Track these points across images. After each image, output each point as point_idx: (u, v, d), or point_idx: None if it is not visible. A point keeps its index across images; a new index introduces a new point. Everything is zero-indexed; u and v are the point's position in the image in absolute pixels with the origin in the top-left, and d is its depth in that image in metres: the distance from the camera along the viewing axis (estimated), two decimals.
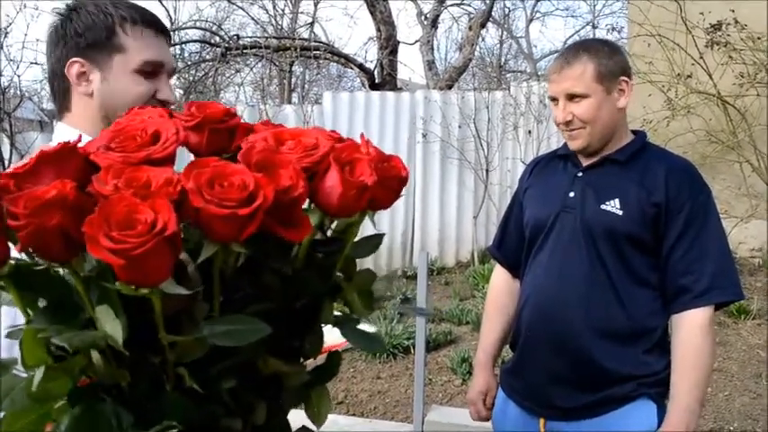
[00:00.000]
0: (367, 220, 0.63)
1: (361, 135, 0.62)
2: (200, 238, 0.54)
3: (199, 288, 0.55)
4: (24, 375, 0.56)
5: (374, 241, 0.65)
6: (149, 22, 1.14)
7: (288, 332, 0.62)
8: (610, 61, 1.60)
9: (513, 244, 1.83)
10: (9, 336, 0.59)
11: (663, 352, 1.60)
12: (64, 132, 1.14)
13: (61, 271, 0.56)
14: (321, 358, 0.69)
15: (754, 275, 5.51)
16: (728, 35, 5.11)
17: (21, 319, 0.57)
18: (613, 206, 1.58)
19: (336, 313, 0.66)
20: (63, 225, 0.49)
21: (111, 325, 0.52)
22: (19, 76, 6.46)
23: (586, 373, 1.59)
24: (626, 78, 1.62)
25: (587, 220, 1.60)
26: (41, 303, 0.57)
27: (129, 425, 0.56)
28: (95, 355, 0.56)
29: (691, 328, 1.54)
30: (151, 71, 1.13)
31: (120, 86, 1.12)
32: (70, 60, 1.11)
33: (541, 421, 1.66)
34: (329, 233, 0.64)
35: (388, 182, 0.60)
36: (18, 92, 6.38)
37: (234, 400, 0.61)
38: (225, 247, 0.53)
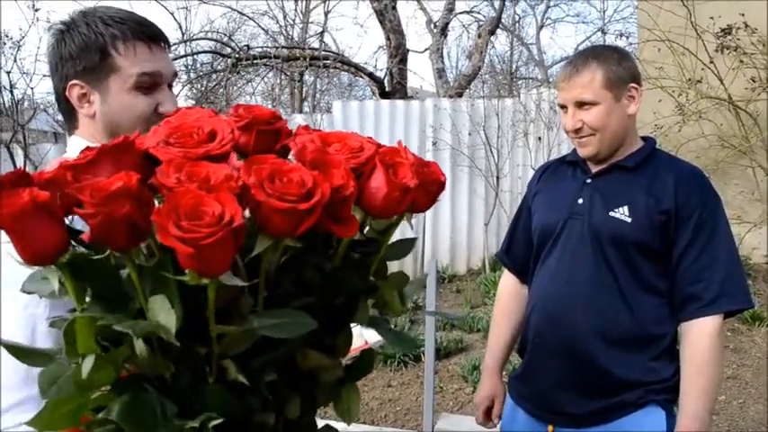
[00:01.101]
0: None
1: (399, 142, 0.64)
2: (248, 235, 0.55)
3: (251, 282, 0.56)
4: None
5: (407, 244, 0.67)
6: (141, 34, 1.12)
7: (324, 329, 0.63)
8: (619, 68, 1.60)
9: (522, 249, 1.83)
10: (52, 324, 0.61)
11: (671, 359, 1.59)
12: (78, 144, 1.15)
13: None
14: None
15: None
16: (739, 39, 5.07)
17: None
18: (622, 213, 1.58)
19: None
20: (131, 215, 0.52)
21: (165, 315, 0.54)
22: (32, 89, 6.53)
23: (594, 380, 1.58)
24: (635, 85, 1.62)
25: (595, 226, 1.60)
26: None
27: (174, 414, 0.57)
28: (140, 346, 0.57)
29: (699, 337, 1.53)
30: (149, 85, 1.12)
31: (120, 106, 1.12)
32: (70, 83, 1.11)
33: (550, 428, 1.66)
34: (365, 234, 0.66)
35: (428, 186, 0.63)
36: (32, 104, 6.45)
37: (271, 394, 0.63)
38: (277, 242, 0.56)
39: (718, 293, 1.53)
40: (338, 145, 0.62)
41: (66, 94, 1.12)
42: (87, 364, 0.55)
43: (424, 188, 0.62)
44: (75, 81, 1.11)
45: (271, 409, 0.64)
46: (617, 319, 1.57)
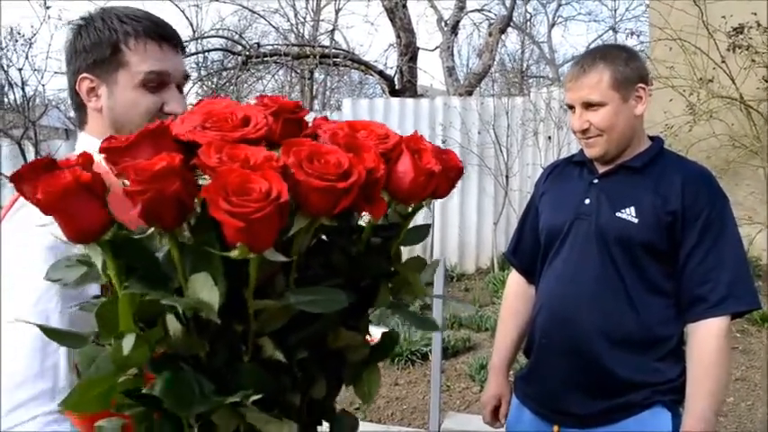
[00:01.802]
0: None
1: (415, 131, 0.67)
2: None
3: (289, 259, 0.58)
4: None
5: (423, 231, 0.69)
6: (153, 33, 1.14)
7: (349, 312, 0.65)
8: (626, 68, 1.59)
9: (529, 249, 1.82)
10: (83, 308, 0.63)
11: (677, 360, 1.59)
12: (86, 141, 1.17)
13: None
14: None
15: None
16: (751, 38, 5.04)
17: None
18: (629, 214, 1.57)
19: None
20: (179, 192, 0.54)
21: (207, 292, 0.56)
22: (44, 86, 6.59)
23: (600, 380, 1.58)
24: (643, 85, 1.61)
25: (602, 227, 1.60)
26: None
27: (211, 391, 0.59)
28: (175, 326, 0.59)
29: (706, 338, 1.53)
30: (156, 84, 1.13)
31: (126, 101, 1.13)
32: (80, 76, 1.13)
33: (555, 428, 1.66)
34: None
35: (448, 171, 0.65)
36: (43, 101, 6.50)
37: (300, 372, 0.65)
38: (313, 221, 0.58)
39: (725, 294, 1.52)
40: (365, 132, 0.64)
41: (77, 87, 1.14)
42: (128, 341, 0.57)
43: (445, 174, 0.64)
44: (85, 74, 1.13)
45: (298, 389, 0.66)
46: (623, 320, 1.57)
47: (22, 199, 1.02)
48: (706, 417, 1.49)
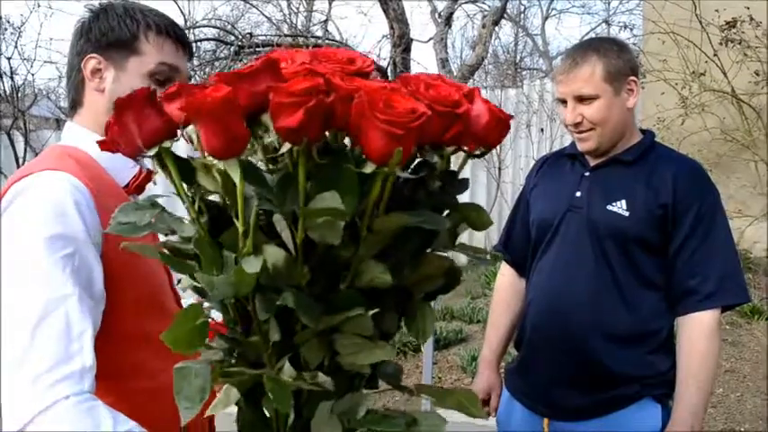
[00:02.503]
0: None
1: (475, 88, 0.72)
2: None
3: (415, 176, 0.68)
4: None
5: (465, 183, 0.75)
6: (173, 33, 1.17)
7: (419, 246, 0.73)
8: (618, 60, 1.58)
9: (520, 242, 1.82)
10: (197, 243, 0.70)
11: (668, 353, 1.59)
12: (73, 132, 1.16)
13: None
14: None
15: None
16: (743, 32, 5.05)
17: None
18: (620, 207, 1.57)
19: None
20: (332, 106, 0.62)
21: (347, 200, 0.62)
22: (33, 75, 6.54)
23: (591, 374, 1.59)
24: (634, 78, 1.61)
25: (594, 220, 1.60)
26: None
27: (320, 312, 0.65)
28: (278, 255, 0.65)
29: (696, 331, 1.54)
30: (165, 78, 1.15)
31: (131, 88, 1.12)
32: (88, 56, 1.13)
33: (545, 421, 1.66)
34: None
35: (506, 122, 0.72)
36: (33, 90, 6.46)
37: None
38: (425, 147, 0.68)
39: (715, 288, 1.53)
40: (439, 80, 0.71)
41: (82, 65, 1.14)
42: (255, 263, 0.63)
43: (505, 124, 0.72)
44: (93, 54, 1.13)
45: (389, 317, 0.72)
46: (615, 314, 1.57)
47: (12, 190, 1.02)
48: (695, 409, 1.50)
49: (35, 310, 0.92)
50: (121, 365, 1.07)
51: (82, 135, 1.14)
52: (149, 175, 1.19)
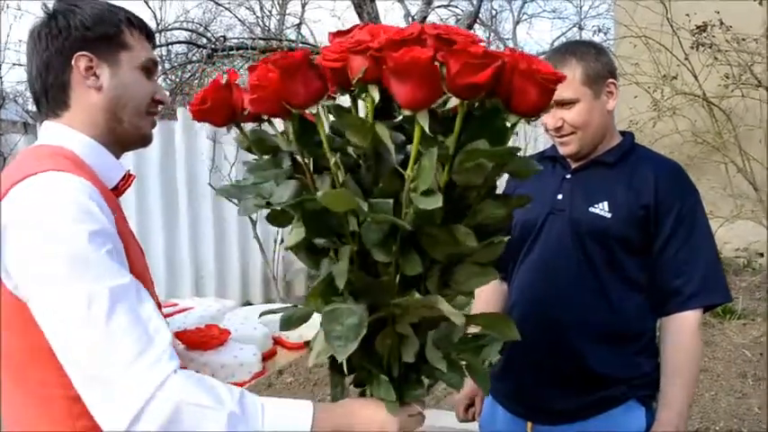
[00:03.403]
0: None
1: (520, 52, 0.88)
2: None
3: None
4: None
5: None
6: (143, 28, 1.16)
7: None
8: (597, 64, 1.58)
9: None
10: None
11: (652, 354, 1.60)
12: (55, 131, 1.10)
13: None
14: None
15: (738, 275, 5.55)
16: (714, 36, 5.13)
17: None
18: (602, 209, 1.57)
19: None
20: (434, 59, 0.79)
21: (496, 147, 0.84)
22: (1, 78, 6.40)
23: (575, 376, 1.58)
24: (613, 80, 1.61)
25: (576, 222, 1.59)
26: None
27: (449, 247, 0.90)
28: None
29: (681, 331, 1.54)
30: (150, 72, 1.16)
31: (131, 81, 1.12)
32: (78, 54, 1.08)
33: (529, 425, 1.65)
34: None
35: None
36: (0, 94, 6.32)
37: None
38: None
39: (698, 288, 1.54)
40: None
41: (73, 64, 1.09)
42: (435, 199, 0.82)
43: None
44: (83, 52, 1.09)
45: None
46: (599, 315, 1.57)
47: (17, 191, 0.96)
48: (681, 409, 1.50)
49: (103, 302, 0.90)
50: None
51: (67, 135, 1.09)
52: (132, 178, 1.16)
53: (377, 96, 0.85)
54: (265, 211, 0.97)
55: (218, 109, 1.02)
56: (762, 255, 5.66)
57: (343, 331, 0.86)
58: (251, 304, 4.00)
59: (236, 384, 1.45)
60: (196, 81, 9.54)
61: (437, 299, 0.88)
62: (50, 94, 1.11)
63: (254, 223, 5.52)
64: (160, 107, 1.18)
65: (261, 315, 1.21)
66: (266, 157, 0.98)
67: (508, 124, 0.84)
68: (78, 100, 1.11)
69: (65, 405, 0.96)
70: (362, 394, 1.06)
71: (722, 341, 4.48)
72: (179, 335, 1.75)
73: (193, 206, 5.50)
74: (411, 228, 0.84)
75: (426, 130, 0.80)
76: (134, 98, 1.12)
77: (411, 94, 0.79)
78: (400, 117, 0.90)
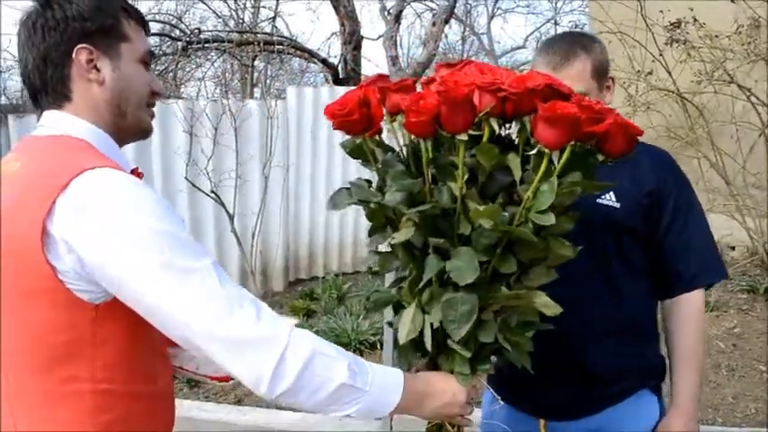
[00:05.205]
0: None
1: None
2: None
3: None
4: None
5: None
6: (140, 17, 1.15)
7: None
8: (602, 57, 1.58)
9: None
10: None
11: (657, 342, 1.63)
12: (66, 121, 1.08)
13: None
14: None
15: None
16: (687, 33, 5.21)
17: None
18: (609, 199, 1.57)
19: None
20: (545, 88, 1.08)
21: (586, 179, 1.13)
22: None
23: (586, 370, 1.57)
24: (612, 75, 1.63)
25: (585, 214, 1.58)
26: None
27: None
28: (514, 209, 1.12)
29: (687, 311, 1.58)
30: (147, 63, 1.15)
31: (132, 73, 1.11)
32: (78, 47, 1.06)
33: (541, 422, 1.63)
34: None
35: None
36: None
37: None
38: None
39: (699, 268, 1.58)
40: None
41: (74, 57, 1.06)
42: (549, 216, 1.07)
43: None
44: (84, 45, 1.06)
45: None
46: (607, 307, 1.57)
47: (76, 188, 0.95)
48: (694, 391, 1.56)
49: (212, 276, 0.97)
50: (134, 369, 1.04)
51: (79, 126, 1.07)
52: (141, 176, 1.14)
53: (496, 128, 1.06)
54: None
55: (362, 122, 1.15)
56: (733, 248, 5.76)
57: (458, 316, 1.07)
58: None
59: (221, 378, 1.45)
60: (170, 74, 9.44)
61: (535, 293, 1.15)
62: (50, 87, 1.08)
63: (231, 217, 5.49)
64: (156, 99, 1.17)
65: None
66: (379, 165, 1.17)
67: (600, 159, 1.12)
68: (80, 93, 1.09)
69: (92, 399, 0.98)
70: (434, 367, 1.22)
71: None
72: None
73: (169, 200, 5.44)
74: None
75: (556, 164, 1.04)
76: (136, 91, 1.11)
77: (555, 137, 1.01)
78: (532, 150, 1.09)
